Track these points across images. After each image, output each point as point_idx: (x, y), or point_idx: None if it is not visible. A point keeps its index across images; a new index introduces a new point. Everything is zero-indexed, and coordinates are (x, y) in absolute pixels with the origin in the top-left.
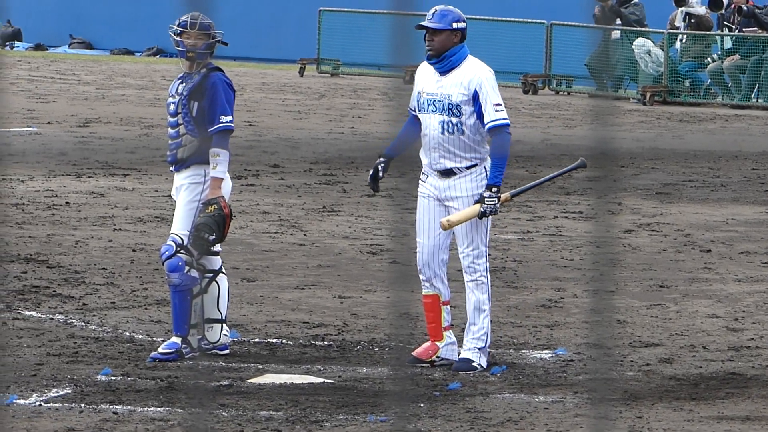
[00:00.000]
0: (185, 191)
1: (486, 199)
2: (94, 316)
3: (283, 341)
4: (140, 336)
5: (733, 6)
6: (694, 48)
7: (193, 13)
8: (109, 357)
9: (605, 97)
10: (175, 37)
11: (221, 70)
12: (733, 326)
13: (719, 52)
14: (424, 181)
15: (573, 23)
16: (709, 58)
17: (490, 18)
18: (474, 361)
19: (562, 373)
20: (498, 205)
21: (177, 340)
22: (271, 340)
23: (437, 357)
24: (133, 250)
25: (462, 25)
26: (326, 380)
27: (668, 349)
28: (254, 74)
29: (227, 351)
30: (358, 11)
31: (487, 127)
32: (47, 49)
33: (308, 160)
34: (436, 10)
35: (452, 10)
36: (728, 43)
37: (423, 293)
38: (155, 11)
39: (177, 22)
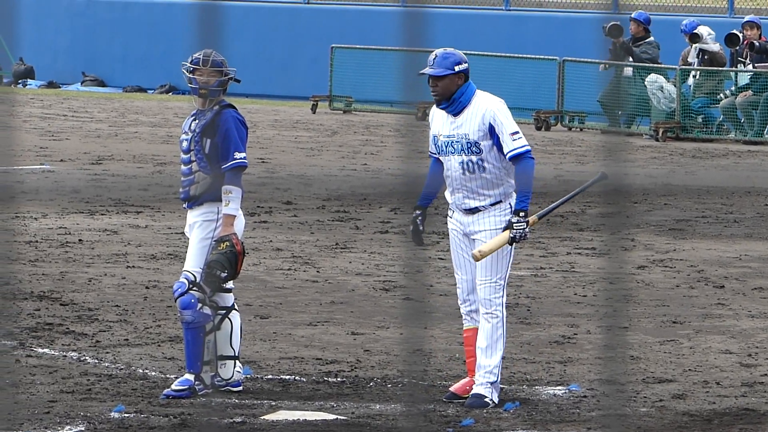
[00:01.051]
0: (198, 228)
1: (515, 225)
2: (107, 353)
3: (296, 378)
4: (153, 373)
5: (745, 42)
6: (706, 84)
7: (205, 51)
8: (122, 394)
9: (618, 134)
10: (188, 74)
11: (234, 107)
12: (747, 362)
13: (732, 88)
14: (450, 217)
15: (585, 59)
16: (721, 94)
17: (503, 54)
18: (486, 397)
19: (575, 409)
20: (527, 230)
21: (190, 377)
22: (284, 377)
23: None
24: (146, 287)
25: (464, 66)
26: (339, 417)
27: (681, 385)
28: (267, 111)
29: (240, 388)
30: (370, 48)
31: (507, 156)
32: (60, 87)
33: (321, 197)
34: (436, 56)
35: (453, 53)
36: (743, 80)
37: (464, 327)
38: (168, 49)
39: (190, 59)
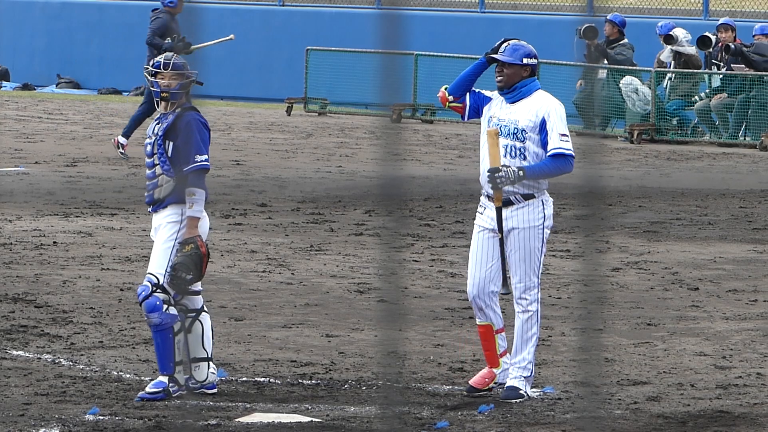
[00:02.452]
0: (162, 230)
1: (505, 169)
2: (81, 355)
3: (271, 380)
4: (128, 375)
5: (720, 44)
6: (681, 86)
7: (167, 54)
8: (96, 396)
9: (593, 136)
10: (149, 77)
11: (196, 110)
12: (721, 364)
13: (707, 91)
14: (482, 213)
15: (560, 62)
16: (696, 97)
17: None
18: (521, 389)
19: (550, 411)
20: (507, 179)
21: (164, 379)
22: (258, 379)
23: (495, 383)
24: (121, 290)
25: (532, 61)
26: (314, 419)
27: (656, 387)
28: (242, 113)
29: (215, 390)
30: (345, 50)
31: (550, 152)
32: (35, 89)
33: (296, 199)
34: (508, 44)
35: (524, 45)
36: (716, 82)
37: (477, 323)
38: (143, 51)
39: (151, 62)
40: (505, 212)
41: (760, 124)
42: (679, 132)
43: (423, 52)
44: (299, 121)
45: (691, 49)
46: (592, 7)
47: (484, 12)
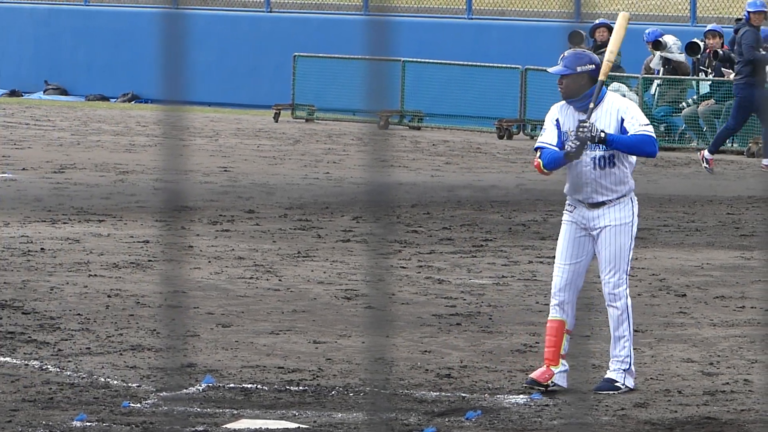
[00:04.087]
0: None
1: (590, 124)
2: (69, 361)
3: (258, 386)
4: (115, 381)
5: (708, 50)
6: (669, 93)
7: None
8: (84, 403)
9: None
10: None
11: None
12: (708, 371)
13: (694, 97)
14: (571, 212)
15: (548, 68)
16: (684, 103)
17: (465, 63)
18: (618, 381)
19: (537, 418)
20: (589, 132)
21: None
22: (246, 386)
23: (552, 382)
24: (109, 296)
25: (589, 68)
26: (301, 425)
27: (643, 393)
28: (229, 120)
29: None
30: (333, 57)
31: (631, 132)
32: (22, 95)
33: (283, 206)
34: (564, 55)
35: (581, 54)
36: (705, 88)
37: (549, 317)
38: (131, 57)
39: None
40: (596, 211)
41: (747, 131)
42: (667, 138)
43: (410, 59)
44: (287, 128)
45: (681, 56)
46: (580, 14)
47: (472, 18)
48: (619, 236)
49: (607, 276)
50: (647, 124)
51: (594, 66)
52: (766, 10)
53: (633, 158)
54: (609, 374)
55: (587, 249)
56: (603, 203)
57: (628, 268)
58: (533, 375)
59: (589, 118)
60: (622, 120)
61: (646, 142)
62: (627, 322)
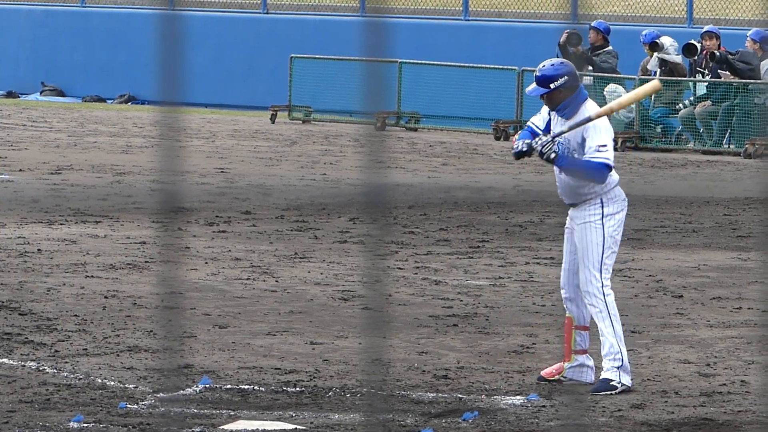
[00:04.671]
0: None
1: (549, 142)
2: (66, 362)
3: (255, 387)
4: (112, 383)
5: (705, 52)
6: (666, 94)
7: None
8: (81, 404)
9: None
10: None
11: None
12: (705, 372)
13: (691, 98)
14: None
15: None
16: (680, 104)
17: (462, 64)
18: (613, 380)
19: (534, 419)
20: (541, 146)
21: None
22: (243, 387)
23: (562, 377)
24: (105, 297)
25: (560, 82)
26: (298, 427)
27: (640, 394)
28: (226, 121)
29: None
30: (330, 58)
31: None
32: (19, 97)
33: (280, 207)
34: (536, 73)
35: (551, 71)
36: (701, 90)
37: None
38: (128, 58)
39: None
40: (572, 211)
41: (744, 132)
42: (664, 140)
43: (407, 60)
44: (283, 129)
45: (677, 58)
46: (576, 15)
47: (468, 20)
48: (586, 234)
49: (580, 274)
50: (603, 147)
51: (567, 76)
52: None
53: None
54: (603, 374)
55: (576, 247)
56: (574, 204)
57: (601, 267)
58: (542, 371)
59: (555, 136)
60: (584, 139)
61: (595, 171)
62: (608, 319)
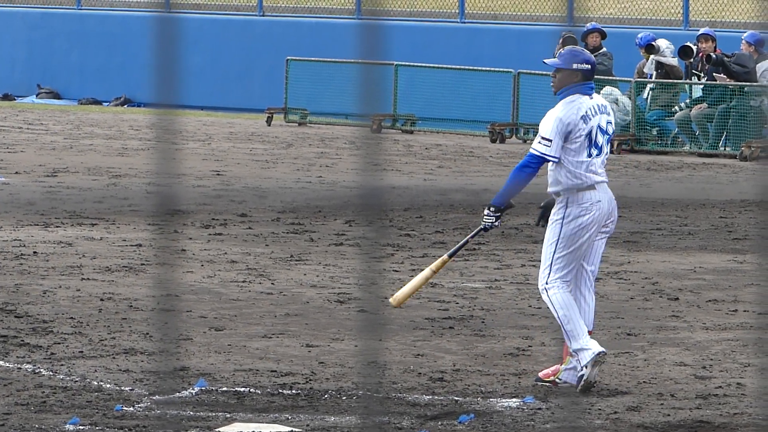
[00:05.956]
0: None
1: (484, 216)
2: (62, 365)
3: (251, 390)
4: (108, 385)
5: (701, 54)
6: (662, 96)
7: None
8: (77, 406)
9: None
10: None
11: None
12: (701, 374)
13: (687, 101)
14: None
15: (540, 72)
16: (676, 107)
17: (458, 67)
18: (580, 371)
19: (530, 421)
20: (495, 223)
21: None
22: (239, 389)
23: (558, 378)
24: (101, 300)
25: (581, 66)
26: (294, 429)
27: (636, 397)
28: (222, 123)
29: None
30: (326, 60)
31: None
32: (15, 99)
33: (276, 209)
34: (561, 51)
35: (580, 52)
36: (697, 92)
37: None
38: (123, 61)
39: None
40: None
41: (740, 134)
42: (659, 142)
43: (403, 62)
44: (279, 132)
45: (673, 60)
46: (572, 18)
47: (464, 22)
48: (546, 232)
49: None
50: (544, 139)
51: (590, 66)
52: None
53: (572, 160)
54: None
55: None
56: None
57: (551, 264)
58: (540, 373)
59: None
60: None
61: (519, 172)
62: (553, 311)
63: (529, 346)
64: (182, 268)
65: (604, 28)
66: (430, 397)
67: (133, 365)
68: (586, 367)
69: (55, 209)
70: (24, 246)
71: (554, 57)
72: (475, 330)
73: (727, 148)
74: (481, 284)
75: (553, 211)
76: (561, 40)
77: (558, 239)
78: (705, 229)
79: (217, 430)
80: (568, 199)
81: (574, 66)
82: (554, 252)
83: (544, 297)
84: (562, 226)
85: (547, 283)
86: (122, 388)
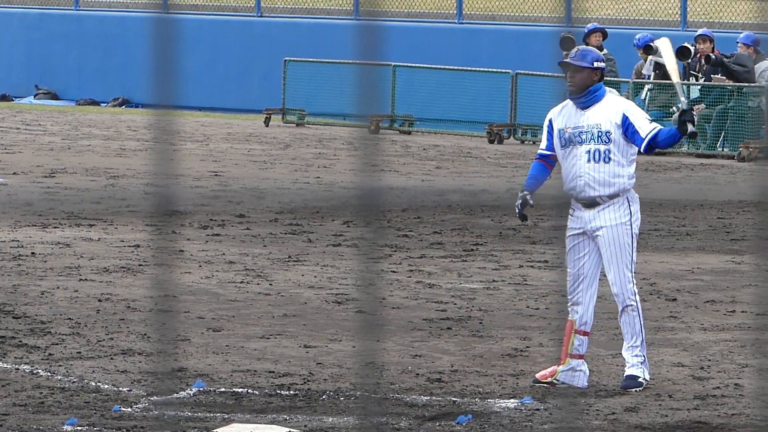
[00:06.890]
0: None
1: (686, 113)
2: (60, 366)
3: (249, 391)
4: (106, 386)
5: (699, 55)
6: (660, 97)
7: None
8: (75, 407)
9: None
10: None
11: None
12: (699, 375)
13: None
14: (572, 215)
15: (538, 73)
16: (674, 108)
17: (456, 67)
18: (639, 377)
19: (528, 422)
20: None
21: None
22: (236, 390)
23: (555, 379)
24: (99, 300)
25: (601, 64)
26: (292, 430)
27: (634, 397)
28: (220, 124)
29: None
30: (323, 61)
31: (649, 134)
32: (13, 100)
33: (274, 210)
34: (578, 50)
35: (591, 50)
36: (695, 93)
37: (568, 317)
38: (121, 62)
39: None
40: (592, 212)
41: (738, 135)
42: None
43: (401, 63)
44: (277, 132)
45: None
46: (570, 19)
47: (462, 23)
48: (617, 236)
49: (610, 276)
50: (653, 121)
51: (603, 64)
52: None
53: (632, 154)
54: (629, 370)
55: (587, 250)
56: (598, 203)
57: (633, 267)
58: (537, 374)
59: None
60: (626, 117)
61: (667, 131)
62: (638, 318)
63: (527, 347)
64: (180, 269)
65: (605, 28)
66: (428, 397)
67: (131, 366)
68: (645, 380)
69: (53, 210)
70: (22, 247)
71: (565, 59)
72: (473, 331)
73: (725, 149)
74: (479, 285)
75: (613, 215)
76: (559, 42)
77: (633, 240)
78: (703, 229)
79: (215, 430)
80: (628, 198)
81: (595, 64)
82: (633, 253)
83: (635, 302)
84: (632, 227)
85: (635, 294)
86: (120, 388)
